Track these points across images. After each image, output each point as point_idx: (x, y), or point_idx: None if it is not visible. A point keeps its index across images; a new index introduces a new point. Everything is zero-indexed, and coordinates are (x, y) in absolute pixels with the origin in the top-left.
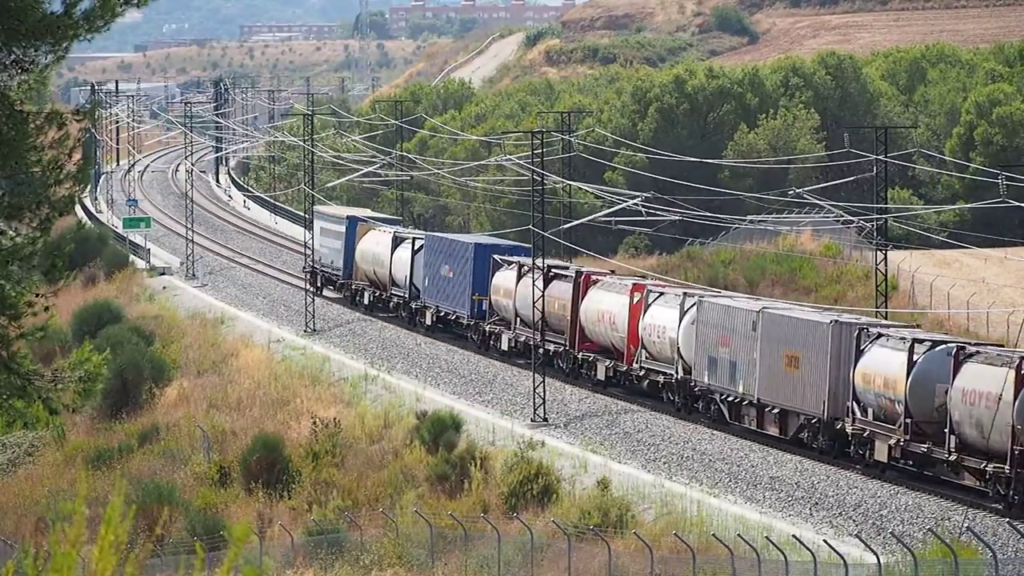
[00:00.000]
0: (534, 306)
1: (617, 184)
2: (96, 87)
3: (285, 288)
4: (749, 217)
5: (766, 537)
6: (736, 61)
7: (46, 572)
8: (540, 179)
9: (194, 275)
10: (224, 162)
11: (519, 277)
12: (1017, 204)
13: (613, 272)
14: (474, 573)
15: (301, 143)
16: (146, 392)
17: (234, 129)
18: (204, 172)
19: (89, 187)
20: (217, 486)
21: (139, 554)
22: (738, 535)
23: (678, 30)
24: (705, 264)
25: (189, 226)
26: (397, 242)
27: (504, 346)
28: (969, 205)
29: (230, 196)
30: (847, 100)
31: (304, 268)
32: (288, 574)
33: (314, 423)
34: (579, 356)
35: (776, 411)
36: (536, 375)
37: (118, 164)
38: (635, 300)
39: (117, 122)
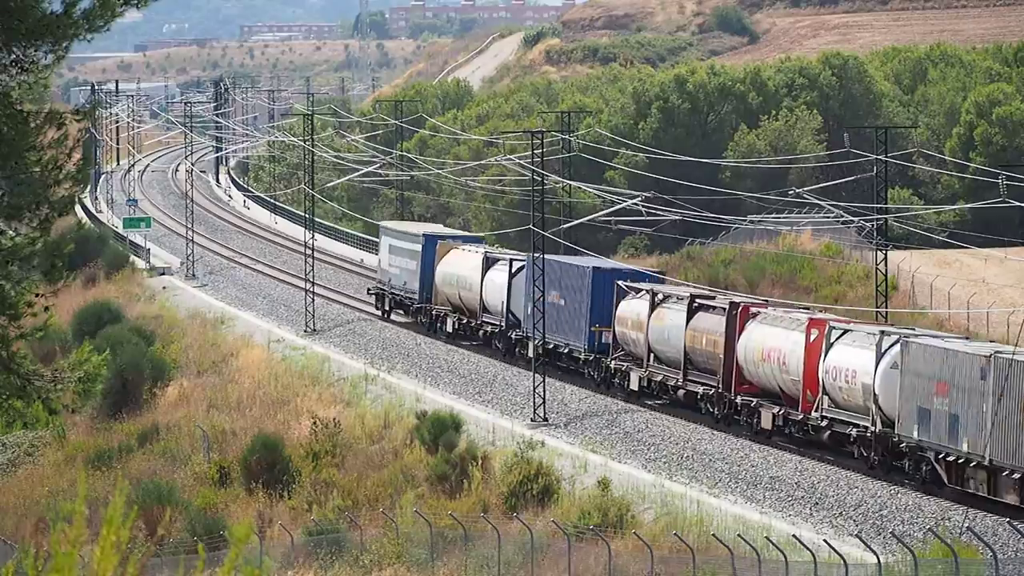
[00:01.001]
0: (687, 344)
1: (617, 184)
2: (96, 87)
3: (285, 288)
4: (749, 217)
5: (766, 537)
6: (736, 61)
7: (46, 572)
8: (540, 179)
9: (194, 275)
10: (224, 162)
11: (652, 307)
12: (1017, 204)
13: (767, 302)
14: (474, 573)
15: (301, 143)
16: (146, 392)
17: (234, 129)
18: (204, 172)
19: (89, 187)
20: (217, 486)
21: (140, 554)
22: (738, 535)
23: (678, 30)
24: (705, 264)
25: (189, 226)
26: (489, 263)
27: (634, 385)
28: (969, 205)
29: (230, 196)
30: (850, 100)
31: (369, 290)
32: (288, 574)
33: (314, 423)
34: (737, 400)
35: (1017, 476)
36: (536, 375)
37: (118, 164)
38: (812, 338)
39: (117, 122)
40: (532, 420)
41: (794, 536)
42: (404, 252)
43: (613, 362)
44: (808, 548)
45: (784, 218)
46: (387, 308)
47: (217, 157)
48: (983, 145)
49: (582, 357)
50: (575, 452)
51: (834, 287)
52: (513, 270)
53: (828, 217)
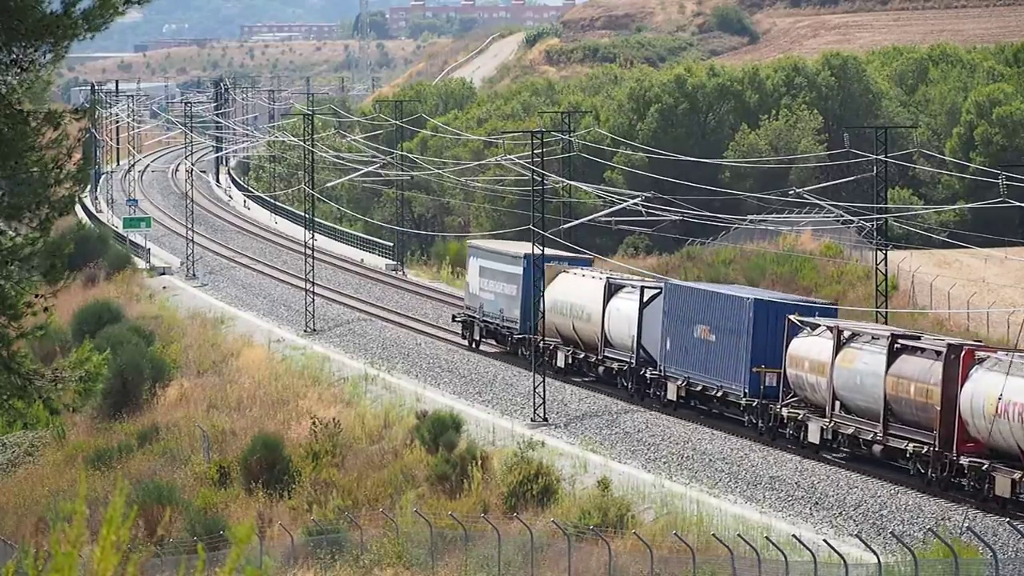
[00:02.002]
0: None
1: (617, 184)
2: (96, 87)
3: (285, 288)
4: (749, 217)
5: (766, 537)
6: (736, 61)
7: (47, 572)
8: (540, 179)
9: (194, 275)
10: (224, 162)
11: (837, 346)
12: (1017, 204)
13: (979, 341)
14: (474, 573)
15: (301, 143)
16: (146, 392)
17: (234, 129)
18: (204, 172)
19: (89, 187)
20: (217, 486)
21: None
22: (738, 535)
23: (678, 30)
24: (705, 264)
25: (189, 226)
26: (613, 290)
27: (813, 437)
28: (969, 205)
29: (230, 196)
30: (849, 100)
31: (455, 317)
32: (288, 574)
33: (313, 423)
34: (961, 462)
35: None
36: (536, 375)
37: (118, 164)
38: None
39: (117, 122)
40: (532, 420)
41: (794, 536)
42: (500, 275)
43: (785, 409)
44: (808, 548)
45: (784, 218)
46: (476, 338)
47: (217, 157)
48: (983, 145)
49: (742, 403)
50: (575, 452)
51: (834, 287)
52: (645, 299)
53: (828, 217)
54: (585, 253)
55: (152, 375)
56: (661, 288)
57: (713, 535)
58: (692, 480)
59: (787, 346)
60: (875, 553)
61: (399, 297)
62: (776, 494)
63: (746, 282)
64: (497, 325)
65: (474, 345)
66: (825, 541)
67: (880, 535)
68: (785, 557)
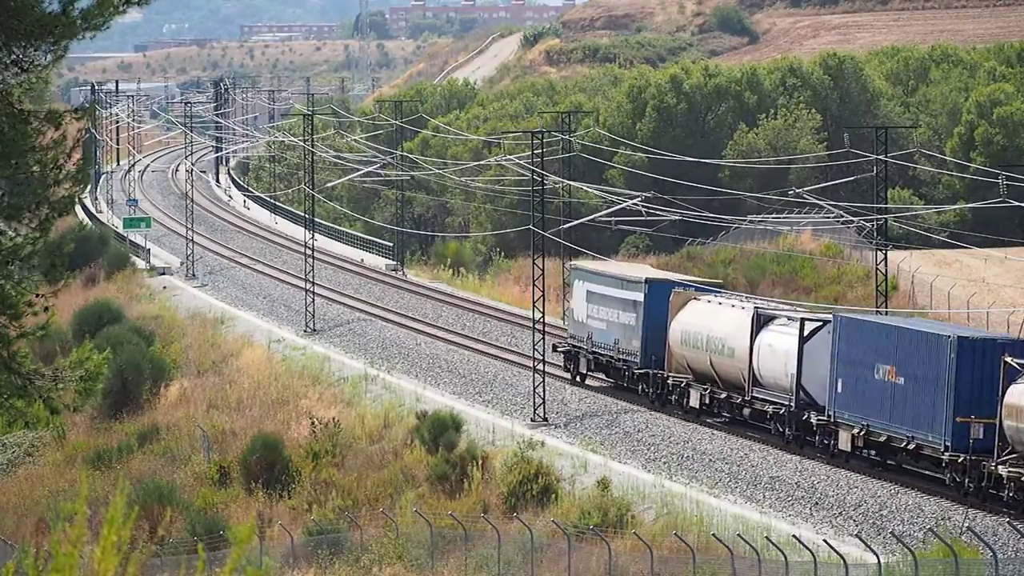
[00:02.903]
0: None
1: (617, 184)
2: (96, 87)
3: (285, 288)
4: (749, 217)
5: (766, 537)
6: (736, 61)
7: (47, 572)
8: (540, 179)
9: (194, 275)
10: (224, 162)
11: None
12: (1017, 204)
13: None
14: (474, 573)
15: (301, 143)
16: (146, 392)
17: (234, 129)
18: (204, 172)
19: (89, 187)
20: (217, 486)
21: (141, 555)
22: (738, 535)
23: (678, 30)
24: (705, 264)
25: (189, 226)
26: (762, 322)
27: None
28: (969, 205)
29: (230, 196)
30: (847, 100)
31: (555, 347)
32: (288, 574)
33: (313, 423)
34: None
35: None
36: (536, 375)
37: (118, 164)
38: None
39: (117, 122)
40: (532, 420)
41: (794, 536)
42: (614, 302)
43: (1003, 468)
44: (808, 548)
45: (784, 218)
46: (582, 370)
47: (217, 157)
48: (984, 145)
49: (943, 457)
50: (575, 452)
51: (834, 287)
52: (806, 332)
53: (828, 217)
54: (587, 253)
55: (152, 375)
56: (825, 321)
57: (713, 535)
58: (692, 480)
59: (1003, 392)
60: (875, 553)
61: (399, 297)
62: (776, 494)
63: (746, 282)
64: (610, 358)
65: (579, 379)
66: (825, 541)
67: (880, 535)
68: (785, 557)
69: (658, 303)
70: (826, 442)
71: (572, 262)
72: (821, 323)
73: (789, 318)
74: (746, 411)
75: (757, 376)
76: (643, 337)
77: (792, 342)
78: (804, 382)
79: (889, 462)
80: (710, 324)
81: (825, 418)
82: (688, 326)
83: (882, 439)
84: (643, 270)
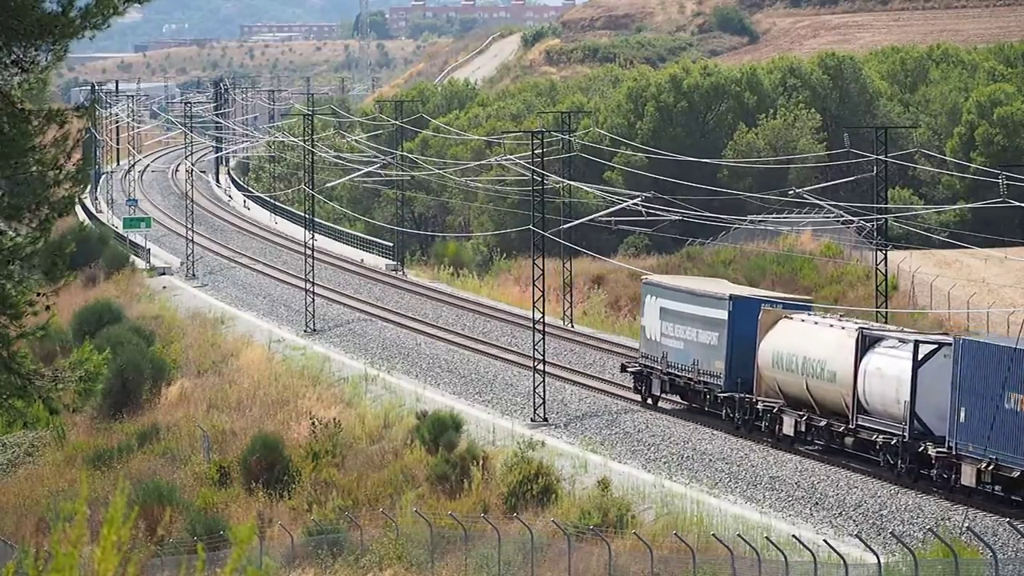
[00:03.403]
0: None
1: (616, 184)
2: (96, 87)
3: (285, 288)
4: (749, 217)
5: (766, 537)
6: (736, 61)
7: (47, 572)
8: (540, 179)
9: (194, 275)
10: (224, 162)
11: None
12: (1017, 204)
13: None
14: (474, 573)
15: (301, 143)
16: (146, 392)
17: (234, 129)
18: (204, 172)
19: (89, 187)
20: (217, 486)
21: (141, 555)
22: (738, 535)
23: (678, 30)
24: (705, 264)
25: (189, 226)
26: (868, 343)
27: None
28: (969, 205)
29: (230, 196)
30: (846, 100)
31: (624, 367)
32: (288, 574)
33: (312, 424)
34: None
35: None
36: (536, 375)
37: (118, 164)
38: None
39: (117, 122)
40: (532, 420)
41: (794, 536)
42: (694, 320)
43: None
44: (808, 548)
45: (784, 218)
46: (655, 392)
47: (217, 157)
48: (984, 145)
49: None
50: (575, 452)
51: (834, 287)
52: (920, 356)
53: (828, 217)
54: (587, 254)
55: (152, 375)
56: (942, 343)
57: (713, 535)
58: (692, 480)
59: None
60: (875, 553)
61: (399, 297)
62: (776, 494)
63: (746, 283)
64: (688, 380)
65: (651, 401)
66: (825, 541)
67: (880, 535)
68: (785, 557)
69: (744, 321)
70: (945, 476)
71: (644, 276)
72: (937, 345)
73: (900, 340)
74: (848, 440)
75: (863, 403)
76: (727, 358)
77: (904, 366)
78: (918, 410)
79: (1015, 498)
80: (806, 345)
81: (945, 450)
82: (780, 347)
83: (1014, 475)
84: (721, 285)
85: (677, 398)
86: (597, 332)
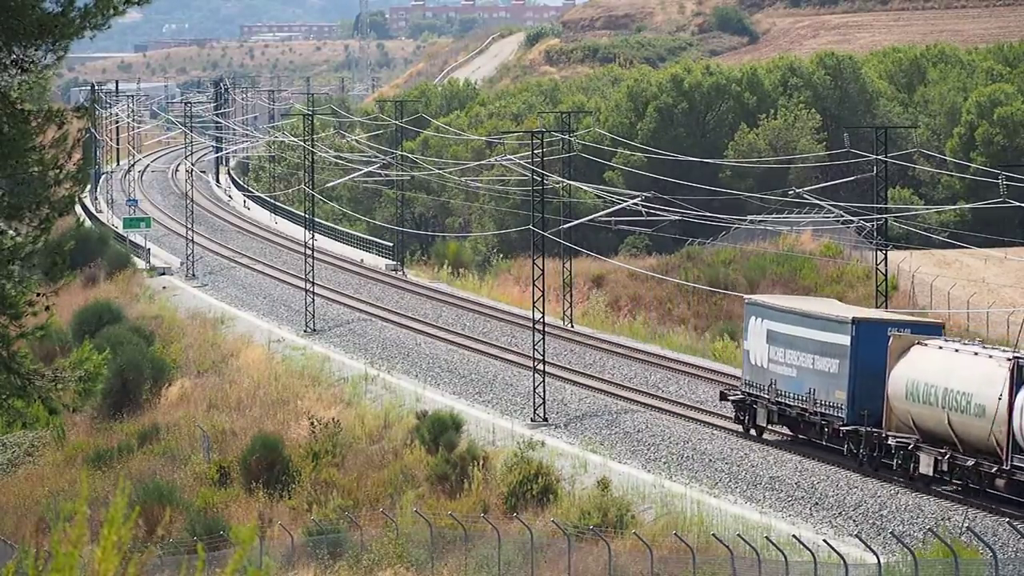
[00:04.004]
0: None
1: (617, 184)
2: (96, 87)
3: (285, 288)
4: (749, 217)
5: (766, 537)
6: (736, 61)
7: (47, 572)
8: (540, 179)
9: (194, 275)
10: (224, 162)
11: None
12: (1017, 204)
13: None
14: (474, 573)
15: (301, 143)
16: (146, 392)
17: (234, 129)
18: (204, 172)
19: (89, 187)
20: (217, 486)
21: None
22: (738, 535)
23: (678, 30)
24: (705, 264)
25: (189, 226)
26: None
27: None
28: (969, 205)
29: (230, 196)
30: (846, 100)
31: (724, 394)
32: (288, 574)
33: (312, 424)
34: None
35: None
36: (536, 375)
37: (118, 164)
38: None
39: (117, 122)
40: (532, 420)
41: (794, 536)
42: (808, 344)
43: None
44: (808, 548)
45: (784, 218)
46: (760, 423)
47: (217, 157)
48: (984, 145)
49: None
50: (575, 452)
51: (834, 287)
52: None
53: (828, 217)
54: (587, 253)
55: (152, 375)
56: None
57: (713, 535)
58: (692, 480)
59: None
60: (875, 553)
61: (399, 297)
62: (776, 494)
63: (746, 283)
64: (802, 411)
65: (755, 432)
66: (825, 541)
67: (880, 535)
68: (785, 557)
69: (870, 347)
70: None
71: (748, 296)
72: None
73: None
74: (1000, 482)
75: (1020, 441)
76: (850, 388)
77: None
78: None
79: None
80: (947, 375)
81: None
82: (916, 376)
83: None
84: (832, 305)
85: (785, 430)
86: (597, 332)
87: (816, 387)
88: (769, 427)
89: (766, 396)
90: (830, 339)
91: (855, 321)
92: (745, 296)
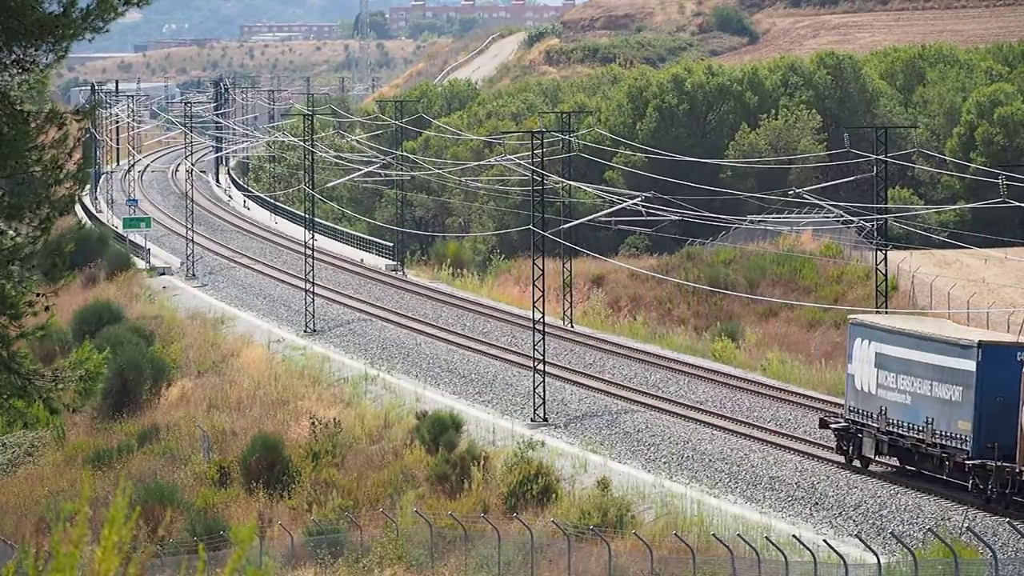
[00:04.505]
0: None
1: (617, 184)
2: (96, 87)
3: (285, 288)
4: (749, 217)
5: (766, 537)
6: (736, 61)
7: (47, 572)
8: (540, 179)
9: (194, 275)
10: (224, 162)
11: None
12: (1017, 204)
13: None
14: (474, 573)
15: (301, 143)
16: (146, 392)
17: (234, 129)
18: (204, 172)
19: (89, 187)
20: (217, 486)
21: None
22: (738, 535)
23: (678, 30)
24: (705, 264)
25: (189, 226)
26: None
27: None
28: (969, 205)
29: (230, 196)
30: (846, 100)
31: (826, 422)
32: (288, 574)
33: (313, 423)
34: None
35: None
36: (536, 375)
37: (118, 164)
38: None
39: (117, 122)
40: (532, 420)
41: (794, 536)
42: (924, 369)
43: None
44: (808, 548)
45: (784, 218)
46: (867, 454)
47: (217, 157)
48: (984, 145)
49: None
50: (575, 452)
51: (834, 287)
52: None
53: (828, 217)
54: (587, 253)
55: (152, 375)
56: None
57: (713, 535)
58: (692, 480)
59: None
60: (875, 553)
61: (399, 297)
62: (776, 494)
63: (746, 283)
64: (918, 442)
65: (860, 464)
66: (825, 541)
67: (880, 535)
68: (785, 557)
69: (998, 373)
70: None
71: (852, 316)
72: None
73: None
74: None
75: None
76: (976, 418)
77: None
78: None
79: None
80: None
81: None
82: None
83: None
84: (946, 326)
85: (895, 461)
86: (597, 332)
87: (935, 416)
88: (877, 459)
89: (874, 425)
90: (951, 364)
91: (981, 345)
92: (849, 315)
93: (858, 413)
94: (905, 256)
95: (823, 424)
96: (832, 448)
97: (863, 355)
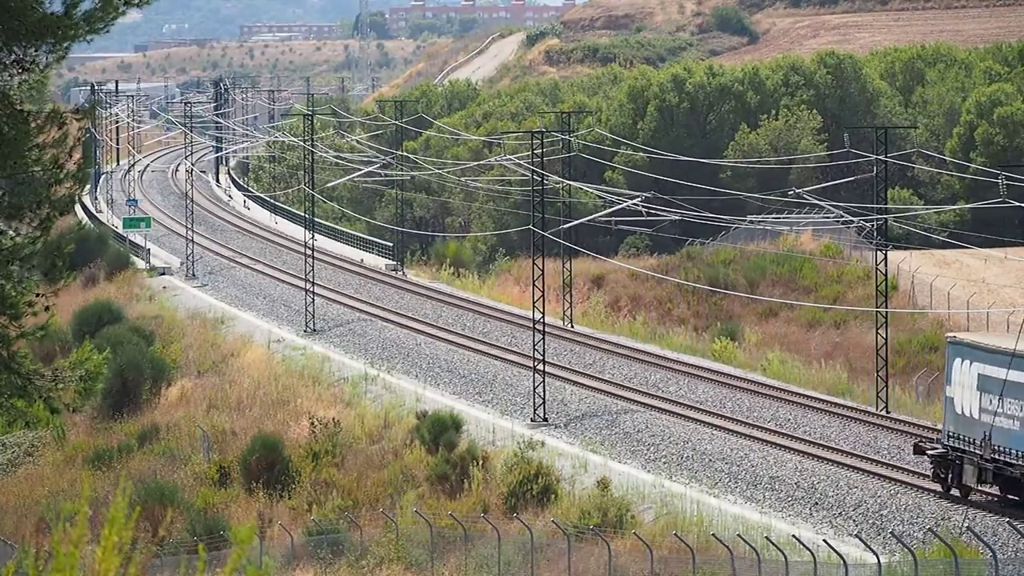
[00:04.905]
0: None
1: (617, 184)
2: (96, 87)
3: (285, 288)
4: (749, 217)
5: (766, 537)
6: (736, 61)
7: (47, 572)
8: (540, 179)
9: (194, 275)
10: (224, 162)
11: None
12: (1017, 204)
13: None
14: (474, 573)
15: (301, 143)
16: (146, 392)
17: (234, 129)
18: (204, 172)
19: (89, 187)
20: (217, 486)
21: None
22: (738, 535)
23: (678, 30)
24: (705, 264)
25: (189, 226)
26: None
27: None
28: (969, 205)
29: (230, 196)
30: (847, 100)
31: (922, 448)
32: (288, 574)
33: (313, 423)
34: None
35: None
36: (536, 375)
37: (118, 164)
38: None
39: (117, 122)
40: (532, 420)
41: (794, 536)
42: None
43: None
44: (808, 548)
45: (784, 218)
46: (968, 482)
47: (217, 157)
48: (984, 145)
49: None
50: (575, 452)
51: (834, 287)
52: None
53: (828, 217)
54: (586, 253)
55: (152, 375)
56: None
57: (713, 535)
58: (692, 480)
59: None
60: (875, 553)
61: (399, 297)
62: (776, 494)
63: (746, 283)
64: (1018, 468)
65: (959, 492)
66: (825, 541)
67: (880, 535)
68: (785, 557)
69: None
70: None
71: (950, 334)
72: None
73: None
74: None
75: None
76: None
77: None
78: None
79: None
80: None
81: None
82: None
83: None
84: None
85: (996, 489)
86: (597, 332)
87: None
88: (979, 488)
89: (978, 452)
90: None
91: None
92: (947, 334)
93: (958, 439)
94: (905, 256)
95: (918, 450)
96: (914, 472)
97: (964, 377)
